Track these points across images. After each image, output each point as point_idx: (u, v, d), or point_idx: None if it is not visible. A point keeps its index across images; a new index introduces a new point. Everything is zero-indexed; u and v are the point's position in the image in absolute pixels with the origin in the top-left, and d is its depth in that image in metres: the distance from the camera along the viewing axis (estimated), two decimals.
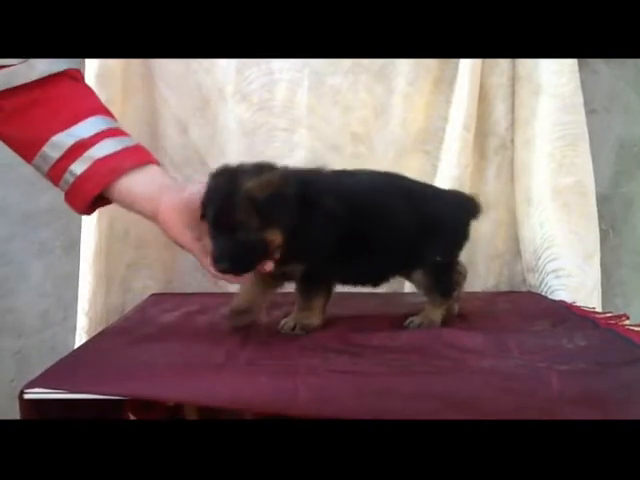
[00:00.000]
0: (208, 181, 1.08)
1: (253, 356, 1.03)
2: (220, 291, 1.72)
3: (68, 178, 1.08)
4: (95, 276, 1.58)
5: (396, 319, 1.28)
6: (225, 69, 1.65)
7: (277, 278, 1.19)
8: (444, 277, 1.25)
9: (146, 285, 1.72)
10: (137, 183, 1.08)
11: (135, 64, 1.64)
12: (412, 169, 1.70)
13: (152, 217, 1.09)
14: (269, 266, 1.06)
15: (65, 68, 1.09)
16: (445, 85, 1.68)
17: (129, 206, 1.11)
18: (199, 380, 0.91)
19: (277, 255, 1.07)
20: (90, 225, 1.58)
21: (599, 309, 1.63)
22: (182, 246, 1.09)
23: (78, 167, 1.06)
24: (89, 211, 1.15)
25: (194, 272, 1.74)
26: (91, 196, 1.08)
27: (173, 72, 1.67)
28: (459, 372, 0.96)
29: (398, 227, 1.19)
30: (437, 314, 1.23)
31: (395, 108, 1.67)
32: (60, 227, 1.79)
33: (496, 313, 1.43)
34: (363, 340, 1.13)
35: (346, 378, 0.92)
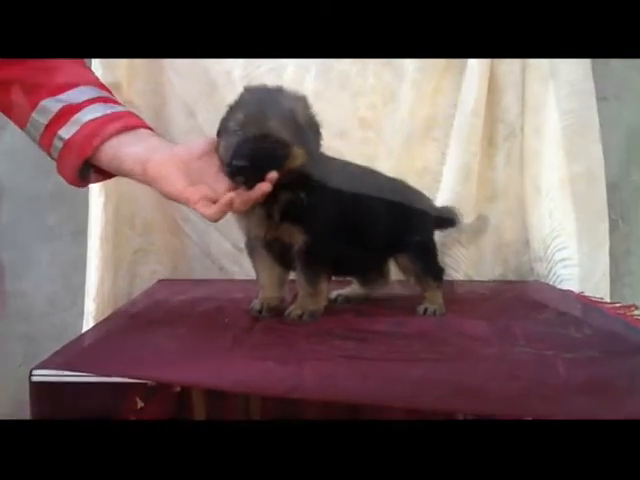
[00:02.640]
0: (243, 93, 1.13)
1: (260, 341, 1.04)
2: (227, 277, 1.74)
3: (57, 144, 1.05)
4: (102, 261, 1.58)
5: (400, 306, 1.30)
6: None
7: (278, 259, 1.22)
8: (430, 261, 1.31)
9: (153, 270, 1.73)
10: (124, 145, 1.04)
11: None
12: (420, 156, 1.70)
13: (141, 176, 1.04)
14: (272, 176, 1.03)
15: None
16: (454, 72, 1.67)
17: (117, 168, 1.06)
18: (206, 364, 0.92)
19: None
20: (97, 210, 1.58)
21: (607, 299, 1.62)
22: (174, 197, 1.03)
23: (65, 132, 1.04)
24: (81, 182, 1.10)
25: (202, 258, 1.75)
26: (79, 162, 1.05)
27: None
28: (465, 359, 0.97)
29: (385, 217, 1.25)
30: (440, 297, 1.28)
31: (404, 94, 1.66)
32: (67, 212, 1.79)
33: (503, 301, 1.44)
34: (369, 326, 1.14)
35: (352, 363, 0.92)
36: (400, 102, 1.67)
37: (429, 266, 1.30)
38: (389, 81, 1.66)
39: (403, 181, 1.38)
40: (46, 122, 1.04)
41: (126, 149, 1.03)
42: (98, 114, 1.05)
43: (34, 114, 1.04)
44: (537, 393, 0.88)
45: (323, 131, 1.17)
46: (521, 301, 1.43)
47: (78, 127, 1.03)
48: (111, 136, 1.03)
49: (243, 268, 1.74)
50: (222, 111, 1.63)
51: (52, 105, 1.04)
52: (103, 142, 1.03)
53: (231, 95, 1.61)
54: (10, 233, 1.79)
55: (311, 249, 1.16)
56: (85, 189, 1.58)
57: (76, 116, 1.03)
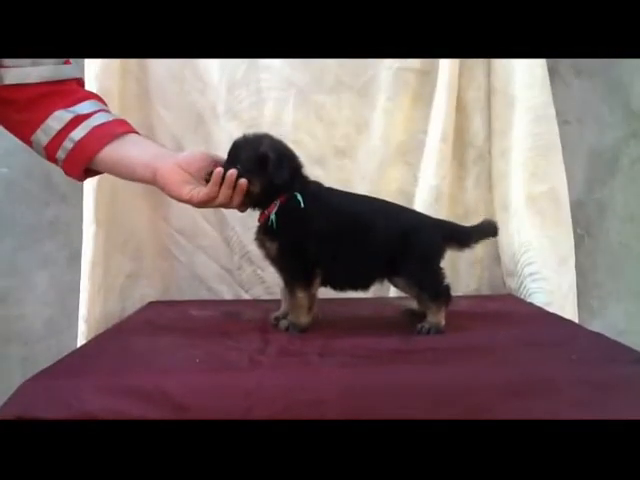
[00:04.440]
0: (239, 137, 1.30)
1: (250, 356, 1.11)
2: (216, 298, 1.83)
3: (67, 145, 1.23)
4: (93, 285, 1.66)
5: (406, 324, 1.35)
6: (217, 89, 1.75)
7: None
8: (428, 283, 1.31)
9: (144, 294, 1.81)
10: (128, 149, 1.25)
11: (132, 85, 1.74)
12: (394, 179, 1.80)
13: (150, 180, 1.24)
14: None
15: (77, 76, 1.31)
16: (424, 100, 1.77)
17: (124, 172, 1.26)
18: (192, 375, 1.01)
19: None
20: (89, 237, 1.66)
21: (575, 311, 1.72)
22: (178, 198, 1.24)
23: (77, 134, 1.23)
24: (84, 176, 1.30)
25: (190, 280, 1.84)
26: (93, 155, 1.23)
27: (168, 92, 1.76)
28: (465, 371, 1.04)
29: (377, 236, 1.29)
30: (438, 317, 1.29)
31: (376, 123, 1.77)
32: (63, 239, 1.88)
33: (485, 315, 1.52)
34: (353, 343, 1.19)
35: (344, 375, 1.01)
36: (373, 130, 1.77)
37: (427, 289, 1.30)
38: (362, 111, 1.77)
39: (398, 204, 1.41)
40: (59, 128, 1.22)
41: (133, 154, 1.25)
42: (104, 120, 1.25)
43: (48, 121, 1.22)
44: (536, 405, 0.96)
45: (303, 158, 1.33)
46: (502, 314, 1.52)
47: (89, 130, 1.23)
48: (117, 137, 1.24)
49: (231, 288, 1.84)
50: (208, 144, 1.77)
51: (65, 115, 1.23)
52: (111, 141, 1.23)
53: (216, 129, 1.76)
54: (10, 260, 1.88)
55: (282, 259, 1.28)
56: (79, 217, 1.69)
57: (86, 122, 1.24)
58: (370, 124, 1.77)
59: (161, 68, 1.75)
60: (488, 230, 1.40)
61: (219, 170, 1.21)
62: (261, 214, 1.30)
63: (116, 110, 1.67)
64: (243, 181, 1.22)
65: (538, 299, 1.70)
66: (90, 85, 1.62)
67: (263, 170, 1.24)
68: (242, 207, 1.28)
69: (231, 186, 1.21)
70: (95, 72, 1.62)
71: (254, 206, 1.30)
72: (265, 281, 1.81)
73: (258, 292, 1.83)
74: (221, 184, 1.21)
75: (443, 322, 1.29)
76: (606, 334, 1.25)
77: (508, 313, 1.54)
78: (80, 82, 1.33)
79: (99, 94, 1.42)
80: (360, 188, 1.71)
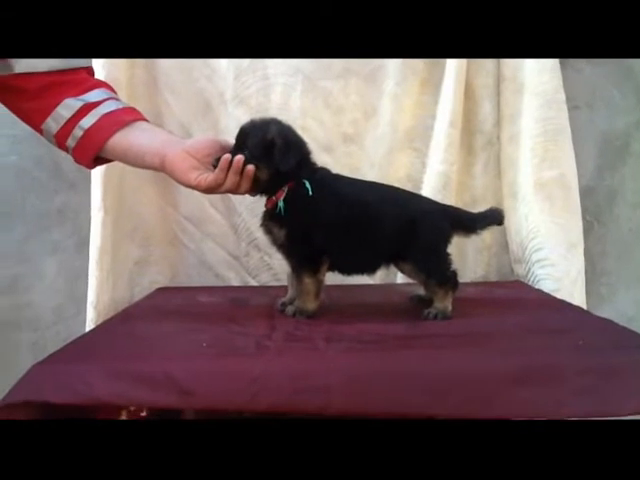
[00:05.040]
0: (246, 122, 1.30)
1: (257, 341, 1.12)
2: (223, 284, 1.83)
3: (77, 133, 1.24)
4: (101, 271, 1.67)
5: (411, 309, 1.36)
6: (224, 75, 1.75)
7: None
8: (435, 269, 1.31)
9: (153, 280, 1.82)
10: (138, 136, 1.25)
11: (140, 73, 1.74)
12: (402, 166, 1.79)
13: (158, 167, 1.25)
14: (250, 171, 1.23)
15: (87, 65, 1.31)
16: (432, 86, 1.76)
17: (134, 159, 1.27)
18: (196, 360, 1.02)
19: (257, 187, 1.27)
20: (97, 223, 1.67)
21: (583, 297, 1.71)
22: (186, 184, 1.24)
23: (87, 122, 1.23)
24: (94, 164, 1.31)
25: (199, 266, 1.84)
26: (102, 143, 1.24)
27: (176, 79, 1.77)
28: (472, 357, 1.04)
29: (384, 222, 1.29)
30: (445, 303, 1.30)
31: (384, 109, 1.76)
32: (72, 227, 1.89)
33: (493, 301, 1.52)
34: (362, 329, 1.20)
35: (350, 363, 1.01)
36: (381, 116, 1.76)
37: (434, 274, 1.30)
38: (370, 97, 1.76)
39: (405, 190, 1.42)
40: (69, 116, 1.23)
41: (142, 142, 1.25)
42: (113, 107, 1.26)
43: (58, 109, 1.23)
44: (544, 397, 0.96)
45: (311, 144, 1.32)
46: (510, 300, 1.52)
47: (98, 117, 1.24)
48: (126, 124, 1.24)
49: (238, 274, 1.85)
50: (216, 130, 1.77)
51: (75, 103, 1.23)
52: (120, 129, 1.24)
53: (224, 115, 1.75)
54: (19, 248, 1.88)
55: (289, 245, 1.28)
56: (87, 204, 1.70)
57: (95, 110, 1.25)
58: (378, 110, 1.76)
59: None
60: (494, 218, 1.40)
61: (226, 156, 1.21)
62: (268, 199, 1.30)
63: (124, 98, 1.67)
64: (250, 167, 1.22)
65: (546, 285, 1.70)
66: (98, 73, 1.62)
67: (270, 156, 1.24)
68: (251, 192, 1.29)
69: (238, 172, 1.21)
70: (103, 60, 1.62)
71: (262, 192, 1.30)
72: (272, 268, 1.82)
73: (265, 278, 1.83)
74: (228, 170, 1.21)
75: (450, 308, 1.30)
76: (615, 321, 1.24)
77: (516, 300, 1.54)
78: (90, 71, 1.33)
79: (107, 81, 1.43)
80: (368, 174, 1.72)
